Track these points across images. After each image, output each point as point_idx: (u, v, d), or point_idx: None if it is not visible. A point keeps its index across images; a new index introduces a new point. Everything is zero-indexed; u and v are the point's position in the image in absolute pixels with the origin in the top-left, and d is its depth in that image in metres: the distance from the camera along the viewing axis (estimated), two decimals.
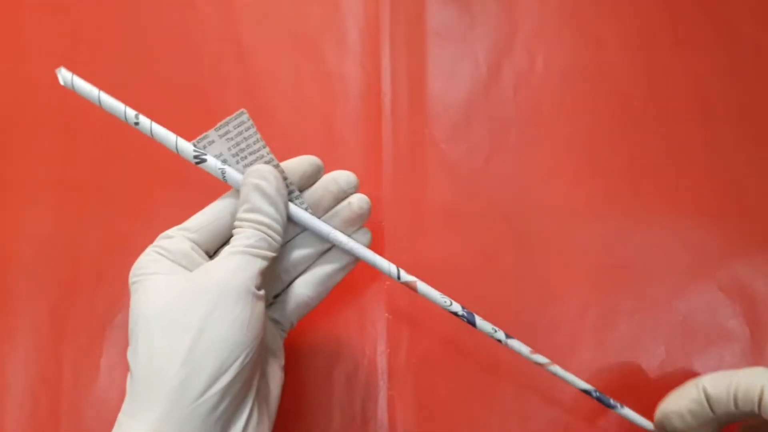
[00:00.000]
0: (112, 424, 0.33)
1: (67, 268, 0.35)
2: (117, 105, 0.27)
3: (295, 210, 0.27)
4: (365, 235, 0.28)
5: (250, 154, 0.26)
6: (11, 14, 0.39)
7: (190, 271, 0.25)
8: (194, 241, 0.26)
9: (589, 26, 0.38)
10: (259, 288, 0.25)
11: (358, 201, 0.28)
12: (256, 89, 0.37)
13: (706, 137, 0.36)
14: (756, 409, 0.24)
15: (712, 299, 0.34)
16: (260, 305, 0.24)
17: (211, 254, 0.27)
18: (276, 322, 0.28)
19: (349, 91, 0.37)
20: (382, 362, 0.33)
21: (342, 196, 0.28)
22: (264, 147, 0.26)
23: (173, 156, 0.37)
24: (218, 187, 0.36)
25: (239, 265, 0.24)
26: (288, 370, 0.33)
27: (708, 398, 0.25)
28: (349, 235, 0.28)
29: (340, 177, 0.28)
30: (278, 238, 0.26)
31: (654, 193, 0.36)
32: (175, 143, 0.27)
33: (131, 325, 0.24)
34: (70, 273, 0.35)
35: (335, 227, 0.27)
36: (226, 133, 0.26)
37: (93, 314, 0.34)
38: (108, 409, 0.33)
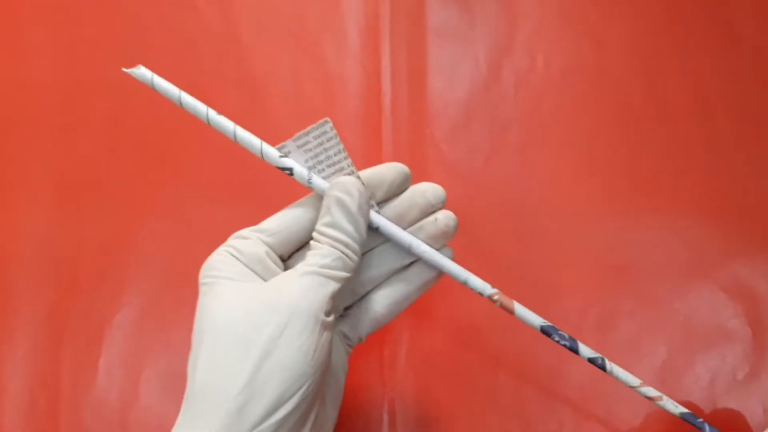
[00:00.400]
0: (111, 425, 0.33)
1: (66, 268, 0.35)
2: (199, 105, 0.26)
3: (379, 219, 0.26)
4: (448, 253, 0.27)
5: (329, 166, 0.25)
6: (11, 14, 0.39)
7: (263, 278, 0.24)
8: (269, 245, 0.25)
9: (590, 26, 0.38)
10: (328, 314, 0.23)
11: (444, 218, 0.26)
12: (256, 89, 0.37)
13: (706, 137, 0.36)
14: None
15: (712, 299, 0.34)
16: (328, 334, 0.23)
17: (285, 258, 0.26)
18: (344, 336, 0.27)
19: (349, 91, 0.37)
20: (382, 363, 0.33)
21: (428, 211, 0.26)
22: (346, 158, 0.25)
23: (173, 156, 0.37)
24: (217, 186, 0.36)
25: (311, 287, 0.23)
26: None
27: None
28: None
29: (428, 190, 0.26)
30: (355, 258, 0.25)
31: (654, 192, 0.36)
32: (260, 149, 0.26)
33: (196, 329, 0.23)
34: (69, 273, 0.35)
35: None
36: (305, 143, 0.25)
37: (92, 314, 0.34)
38: (107, 409, 0.33)
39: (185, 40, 0.38)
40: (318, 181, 0.25)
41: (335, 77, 0.37)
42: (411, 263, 0.27)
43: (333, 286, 0.24)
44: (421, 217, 0.27)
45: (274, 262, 0.25)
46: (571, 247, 0.35)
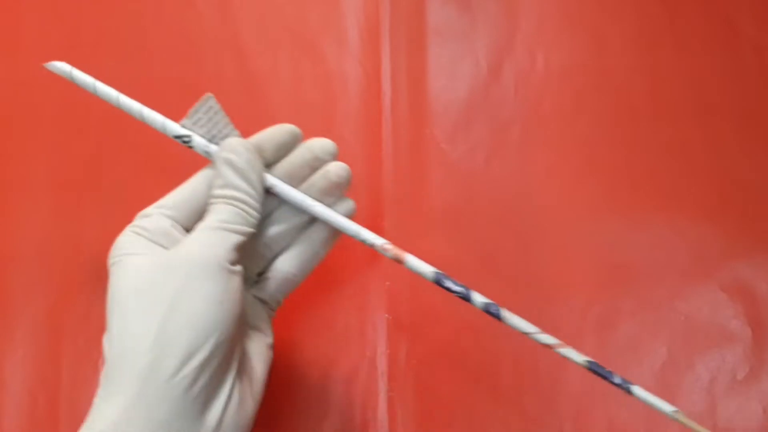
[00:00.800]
0: None
1: (65, 268, 0.35)
2: (110, 92, 0.27)
3: (271, 180, 0.26)
4: (346, 204, 0.27)
5: (222, 137, 0.26)
6: (10, 14, 0.39)
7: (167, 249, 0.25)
8: (173, 218, 0.25)
9: (590, 26, 0.38)
10: (234, 263, 0.24)
11: (335, 169, 0.27)
12: (255, 89, 0.37)
13: (707, 137, 0.36)
14: None
15: (713, 299, 0.34)
16: (235, 280, 0.24)
17: (189, 230, 0.26)
18: (262, 301, 0.27)
19: (349, 91, 0.37)
20: (382, 363, 0.33)
21: (318, 165, 0.27)
22: (233, 129, 0.26)
23: (172, 156, 0.37)
24: None
25: (211, 240, 0.24)
26: (288, 370, 0.33)
27: None
28: (329, 206, 0.27)
29: (315, 144, 0.27)
30: (254, 213, 0.25)
31: (655, 192, 0.36)
32: (162, 124, 0.27)
33: (107, 308, 0.23)
34: (68, 273, 0.35)
35: (313, 198, 0.26)
36: (198, 120, 0.26)
37: (91, 314, 0.34)
38: None
39: (185, 40, 0.38)
40: (215, 148, 0.26)
41: (335, 77, 0.37)
42: (313, 219, 0.27)
43: (235, 238, 0.24)
44: (312, 173, 0.27)
45: (181, 234, 0.25)
46: (571, 246, 0.35)
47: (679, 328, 0.34)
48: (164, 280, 0.22)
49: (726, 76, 0.37)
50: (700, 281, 0.34)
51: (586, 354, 0.34)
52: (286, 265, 0.27)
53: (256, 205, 0.25)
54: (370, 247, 0.26)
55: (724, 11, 0.38)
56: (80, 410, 0.33)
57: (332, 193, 0.27)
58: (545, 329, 0.34)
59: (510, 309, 0.34)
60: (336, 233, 0.28)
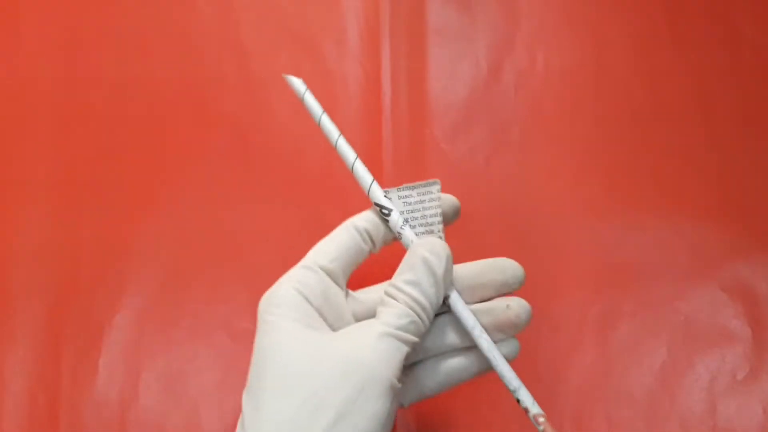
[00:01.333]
0: (111, 425, 0.33)
1: (65, 268, 0.35)
2: (333, 130, 0.27)
3: (454, 297, 0.25)
4: (512, 345, 0.26)
5: (421, 225, 0.25)
6: (11, 14, 0.39)
7: (327, 317, 0.23)
8: (332, 274, 0.24)
9: (590, 26, 0.38)
10: (399, 380, 0.22)
11: (517, 306, 0.25)
12: (256, 90, 0.37)
13: (707, 137, 0.36)
14: None
15: (713, 299, 0.34)
16: (396, 400, 0.22)
17: (340, 284, 0.25)
18: None
19: (349, 91, 0.37)
20: None
21: (503, 291, 0.25)
22: (440, 223, 0.25)
23: (172, 156, 0.37)
24: (217, 186, 0.36)
25: (389, 351, 0.22)
26: None
27: None
28: (495, 341, 0.25)
29: (508, 268, 0.25)
30: (428, 323, 0.23)
31: (655, 192, 0.36)
32: (369, 186, 0.26)
33: (258, 371, 0.22)
34: (68, 273, 0.35)
35: (484, 326, 0.25)
36: (407, 196, 0.25)
37: (92, 315, 0.34)
38: (107, 409, 0.33)
39: (185, 40, 0.38)
40: (409, 232, 0.25)
41: (335, 77, 0.37)
42: (472, 348, 0.25)
43: (405, 351, 0.22)
44: (495, 294, 0.25)
45: (337, 297, 0.24)
46: (571, 247, 0.35)
47: (679, 328, 0.34)
48: (339, 384, 0.21)
49: (726, 76, 0.37)
50: (700, 281, 0.34)
51: (586, 354, 0.34)
52: (427, 379, 0.26)
53: (432, 316, 0.23)
54: (523, 410, 0.25)
55: (724, 11, 0.38)
56: (80, 411, 0.33)
57: (505, 331, 0.25)
58: (545, 329, 0.34)
59: None
60: (485, 371, 0.26)
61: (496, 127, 0.37)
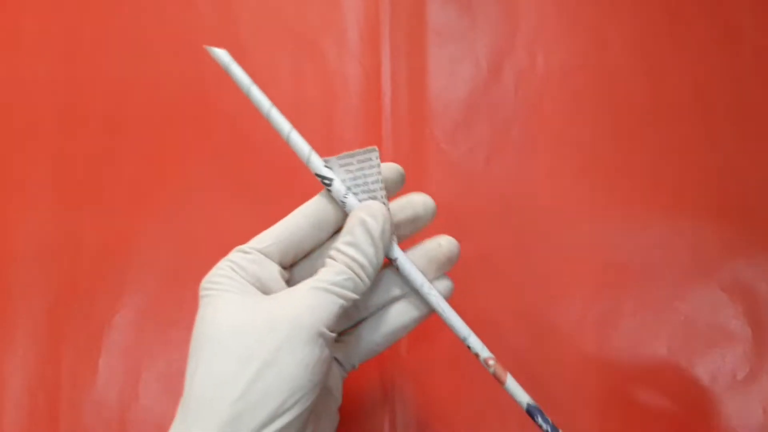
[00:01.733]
0: (110, 425, 0.33)
1: (65, 268, 0.35)
2: (263, 100, 0.27)
3: (398, 254, 0.25)
4: (446, 284, 0.27)
5: (364, 191, 0.25)
6: (11, 14, 0.39)
7: (264, 292, 0.24)
8: (270, 255, 0.25)
9: (590, 26, 0.38)
10: (332, 330, 0.23)
11: (447, 244, 0.26)
12: None
13: (706, 136, 0.36)
14: None
15: (713, 299, 0.34)
16: (328, 350, 0.23)
17: (286, 267, 0.26)
18: (338, 362, 0.27)
19: (349, 91, 0.37)
20: (382, 363, 0.33)
21: (417, 225, 0.26)
22: (381, 189, 0.25)
23: (172, 156, 0.37)
24: (217, 186, 0.36)
25: (319, 302, 0.23)
26: None
27: None
28: (430, 281, 0.26)
29: (417, 201, 0.26)
30: (367, 281, 0.24)
31: (655, 192, 0.36)
32: (308, 156, 0.26)
33: (194, 341, 0.23)
34: (68, 273, 0.35)
35: (421, 268, 0.26)
36: (348, 164, 0.25)
37: (92, 314, 0.34)
38: (107, 409, 0.33)
39: (185, 40, 0.38)
40: (352, 200, 0.25)
41: (335, 77, 0.37)
42: (406, 293, 0.27)
43: (340, 304, 0.23)
44: (411, 230, 0.26)
45: (277, 274, 0.25)
46: (571, 247, 0.35)
47: (679, 328, 0.34)
48: (265, 334, 0.22)
49: (725, 76, 0.37)
50: (700, 281, 0.34)
51: (586, 354, 0.34)
52: (372, 334, 0.26)
53: (372, 275, 0.24)
54: (474, 355, 0.26)
55: (723, 11, 0.38)
56: (80, 410, 0.33)
57: (442, 269, 0.26)
58: (545, 329, 0.34)
59: (509, 309, 0.34)
60: (427, 315, 0.27)
61: (496, 127, 0.37)
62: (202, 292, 0.24)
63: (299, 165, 0.36)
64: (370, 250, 0.24)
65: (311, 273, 0.25)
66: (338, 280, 0.23)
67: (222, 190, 0.36)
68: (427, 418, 0.32)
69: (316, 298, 0.23)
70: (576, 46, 0.38)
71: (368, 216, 0.24)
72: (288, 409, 0.21)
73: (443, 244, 0.26)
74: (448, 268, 0.27)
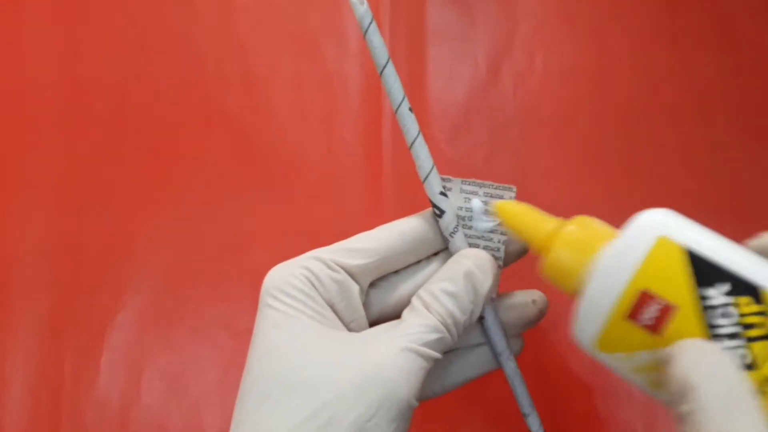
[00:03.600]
0: (112, 424, 0.33)
1: (67, 267, 0.35)
2: (397, 91, 0.22)
3: (488, 313, 0.23)
4: (519, 344, 0.25)
5: (479, 237, 0.22)
6: (11, 14, 0.39)
7: (342, 317, 0.21)
8: (355, 276, 0.22)
9: (589, 26, 0.38)
10: (418, 399, 0.20)
11: (541, 302, 0.24)
12: (256, 89, 0.37)
13: (706, 137, 0.36)
14: None
15: None
16: (408, 423, 0.20)
17: (363, 286, 0.22)
18: None
19: (349, 91, 0.37)
20: None
21: (519, 324, 0.24)
22: (502, 242, 0.22)
23: (173, 155, 0.37)
24: (218, 185, 0.36)
25: (411, 368, 0.19)
26: None
27: None
28: (508, 339, 0.24)
29: (537, 294, 0.24)
30: (455, 341, 0.21)
31: (654, 192, 0.36)
32: (428, 173, 0.22)
33: (257, 362, 0.19)
34: (70, 272, 0.35)
35: (505, 323, 0.24)
36: (473, 192, 0.22)
37: (94, 314, 0.34)
38: (108, 408, 0.33)
39: (185, 40, 0.38)
40: (460, 240, 0.22)
41: (335, 77, 0.37)
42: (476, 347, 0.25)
43: (427, 368, 0.20)
44: (521, 323, 0.24)
45: (354, 304, 0.22)
46: None
47: None
48: (349, 398, 0.18)
49: (725, 76, 0.37)
50: None
51: (585, 355, 0.34)
52: (436, 377, 0.24)
53: (461, 333, 0.21)
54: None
55: (722, 11, 0.38)
56: (82, 409, 0.33)
57: (527, 326, 0.24)
58: (545, 329, 0.34)
59: None
60: (493, 369, 0.25)
61: (496, 127, 0.37)
62: (267, 299, 0.20)
63: (300, 164, 0.37)
64: (469, 308, 0.21)
65: (389, 299, 0.22)
66: (430, 341, 0.20)
67: (223, 189, 0.36)
68: (427, 418, 0.33)
69: (409, 361, 0.19)
70: (575, 46, 0.38)
71: (477, 269, 0.21)
72: None
73: (537, 301, 0.24)
74: (530, 328, 0.25)
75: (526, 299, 0.24)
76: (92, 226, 0.36)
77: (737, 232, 0.35)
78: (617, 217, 0.36)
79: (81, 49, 0.38)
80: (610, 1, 0.38)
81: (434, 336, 0.20)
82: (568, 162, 0.36)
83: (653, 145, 0.36)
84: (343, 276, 0.21)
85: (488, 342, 0.24)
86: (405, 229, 0.23)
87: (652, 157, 0.36)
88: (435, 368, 0.22)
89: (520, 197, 0.36)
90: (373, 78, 0.37)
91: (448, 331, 0.20)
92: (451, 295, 0.21)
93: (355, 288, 0.21)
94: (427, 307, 0.21)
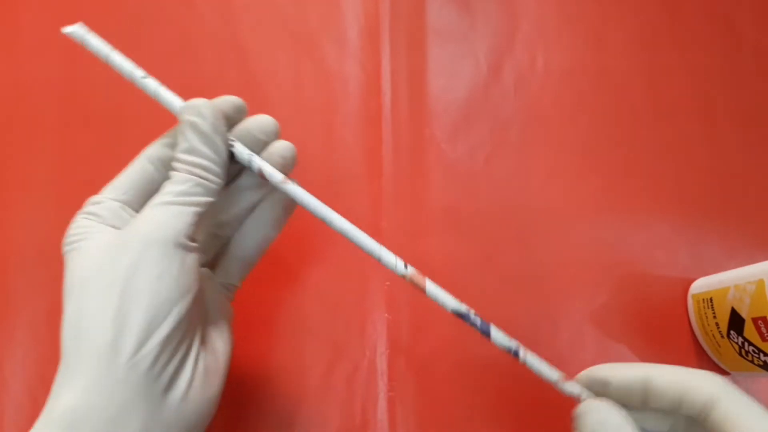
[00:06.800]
0: None
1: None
2: (126, 64, 0.26)
3: (235, 144, 0.25)
4: (287, 151, 0.27)
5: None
6: (11, 14, 0.39)
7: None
8: (124, 202, 0.25)
9: (590, 26, 0.38)
10: (192, 239, 0.23)
11: (279, 150, 0.26)
12: (256, 89, 0.37)
13: (706, 136, 0.36)
14: (700, 420, 0.21)
15: None
16: (192, 256, 0.23)
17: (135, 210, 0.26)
18: (221, 285, 0.27)
19: (349, 91, 0.37)
20: (382, 363, 0.33)
21: (261, 148, 0.26)
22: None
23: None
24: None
25: (168, 216, 0.23)
26: (288, 371, 0.33)
27: (649, 390, 0.22)
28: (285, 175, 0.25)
29: (254, 126, 0.26)
30: (217, 180, 0.24)
31: (655, 192, 0.36)
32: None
33: (64, 292, 0.23)
34: None
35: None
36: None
37: None
38: None
39: (185, 40, 0.38)
40: (178, 104, 0.25)
41: (335, 77, 0.37)
42: (261, 200, 0.27)
43: (194, 212, 0.23)
44: (259, 148, 0.26)
45: (132, 215, 0.24)
46: (571, 247, 0.35)
47: None
48: (117, 258, 0.22)
49: (726, 76, 0.37)
50: None
51: (586, 354, 0.34)
52: (243, 248, 0.27)
53: (219, 171, 0.24)
54: (326, 225, 0.25)
55: (723, 11, 0.38)
56: None
57: (284, 157, 0.26)
58: (545, 329, 0.34)
59: (509, 309, 0.34)
60: (287, 214, 0.27)
61: (496, 127, 0.37)
62: (64, 249, 0.24)
63: (300, 163, 0.36)
64: (207, 149, 0.24)
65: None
66: (184, 189, 0.23)
67: None
68: (427, 418, 0.33)
69: (165, 212, 0.23)
70: (576, 46, 0.38)
71: (193, 116, 0.24)
72: (161, 323, 0.21)
73: (273, 152, 0.26)
74: (290, 153, 0.26)
75: (263, 155, 0.26)
76: None
77: (739, 232, 0.35)
78: (617, 217, 0.36)
79: (80, 49, 0.38)
80: (611, 0, 0.38)
81: (187, 184, 0.23)
82: (568, 161, 0.36)
83: (654, 145, 0.36)
84: (112, 204, 0.24)
85: (250, 172, 0.26)
86: (142, 157, 0.26)
87: (652, 156, 0.36)
88: (220, 203, 0.26)
89: (520, 196, 0.36)
90: (373, 78, 0.37)
91: (200, 176, 0.23)
92: (187, 150, 0.24)
93: (132, 213, 0.24)
94: (176, 170, 0.24)
